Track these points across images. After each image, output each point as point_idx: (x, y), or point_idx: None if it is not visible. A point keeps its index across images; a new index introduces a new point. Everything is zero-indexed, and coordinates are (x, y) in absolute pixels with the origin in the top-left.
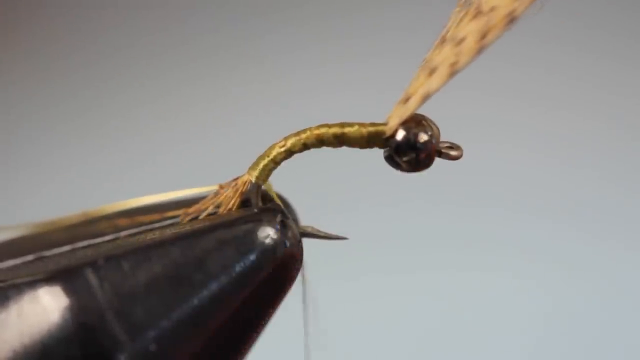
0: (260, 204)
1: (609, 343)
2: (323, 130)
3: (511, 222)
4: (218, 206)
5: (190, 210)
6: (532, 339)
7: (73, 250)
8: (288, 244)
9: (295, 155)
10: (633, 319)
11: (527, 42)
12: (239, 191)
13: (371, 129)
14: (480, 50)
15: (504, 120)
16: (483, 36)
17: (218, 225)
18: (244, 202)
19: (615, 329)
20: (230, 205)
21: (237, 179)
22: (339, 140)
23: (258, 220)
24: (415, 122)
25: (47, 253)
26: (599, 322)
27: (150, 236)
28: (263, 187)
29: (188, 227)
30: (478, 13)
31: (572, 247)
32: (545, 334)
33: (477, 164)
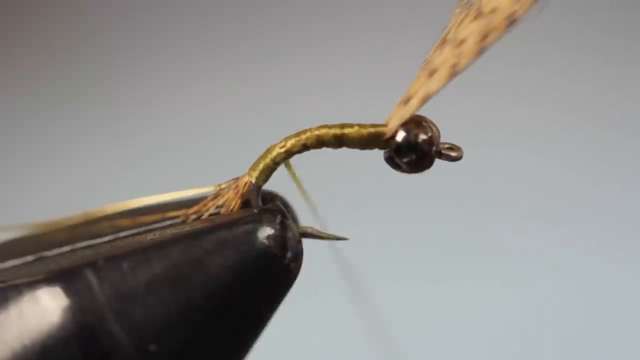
0: (260, 204)
1: (603, 348)
2: (323, 131)
3: (506, 228)
4: (219, 207)
5: (191, 211)
6: (525, 346)
7: (73, 251)
8: (288, 244)
9: (296, 156)
10: (627, 323)
11: (528, 43)
12: (240, 192)
13: (371, 130)
14: (480, 51)
15: (500, 122)
16: (484, 38)
17: (218, 226)
18: (245, 203)
19: (609, 334)
20: (231, 206)
21: (236, 179)
22: (339, 141)
23: (258, 220)
24: (415, 123)
25: (47, 253)
26: (594, 327)
27: (150, 237)
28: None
29: (188, 228)
30: (479, 14)
31: (567, 253)
32: (538, 341)
33: (474, 168)
